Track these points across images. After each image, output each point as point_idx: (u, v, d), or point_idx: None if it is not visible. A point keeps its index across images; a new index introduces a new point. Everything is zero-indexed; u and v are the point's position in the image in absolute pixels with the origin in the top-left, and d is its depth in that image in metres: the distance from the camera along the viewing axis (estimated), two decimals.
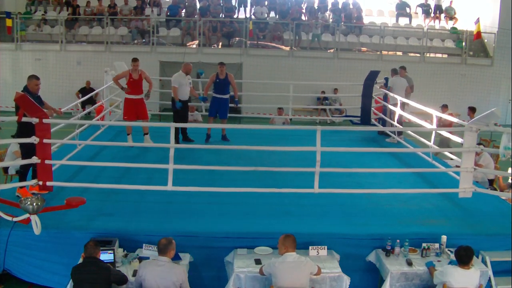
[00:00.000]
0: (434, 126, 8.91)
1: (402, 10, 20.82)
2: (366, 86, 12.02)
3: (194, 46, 18.63)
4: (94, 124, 10.60)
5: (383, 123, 11.65)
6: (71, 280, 5.01)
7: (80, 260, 5.30)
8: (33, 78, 7.06)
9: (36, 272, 5.99)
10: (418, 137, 9.40)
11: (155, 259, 5.18)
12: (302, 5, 20.24)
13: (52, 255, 5.94)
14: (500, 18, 18.90)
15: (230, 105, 10.72)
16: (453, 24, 20.46)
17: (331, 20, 19.98)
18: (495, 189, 8.74)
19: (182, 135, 10.35)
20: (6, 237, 5.87)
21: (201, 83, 12.98)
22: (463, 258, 5.22)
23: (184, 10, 19.60)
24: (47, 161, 6.58)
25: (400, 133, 10.85)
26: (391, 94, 10.80)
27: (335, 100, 18.11)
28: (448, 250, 5.93)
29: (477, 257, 5.87)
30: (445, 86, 18.45)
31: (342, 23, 19.63)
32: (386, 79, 11.80)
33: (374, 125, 11.99)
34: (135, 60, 9.69)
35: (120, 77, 9.79)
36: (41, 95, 7.31)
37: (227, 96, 10.53)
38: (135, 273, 5.24)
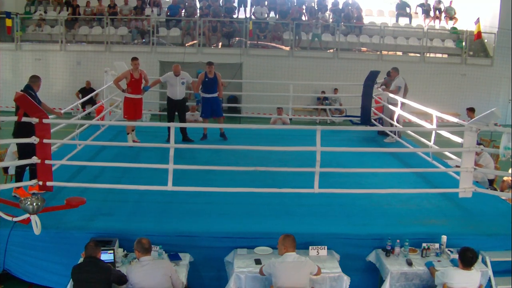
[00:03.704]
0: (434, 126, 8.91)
1: (402, 10, 20.82)
2: (366, 86, 12.02)
3: (193, 45, 18.60)
4: (94, 124, 10.60)
5: (382, 123, 11.66)
6: (71, 280, 5.01)
7: (81, 260, 5.31)
8: (39, 78, 7.29)
9: (36, 272, 5.99)
10: (418, 137, 9.39)
11: (137, 262, 5.19)
12: (304, 6, 20.25)
13: (52, 255, 5.94)
14: (500, 18, 18.90)
15: None
16: (453, 24, 20.47)
17: (331, 20, 19.98)
18: (495, 189, 8.73)
19: (182, 135, 10.36)
20: (6, 237, 5.87)
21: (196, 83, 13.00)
22: (469, 261, 5.20)
23: (184, 10, 19.59)
24: (47, 161, 6.58)
25: (398, 133, 10.85)
26: (391, 95, 10.79)
27: (335, 100, 18.10)
28: (448, 250, 5.94)
29: (477, 257, 5.85)
30: (445, 86, 18.45)
31: (342, 23, 19.63)
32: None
33: (374, 125, 11.99)
34: (135, 59, 9.74)
35: (120, 79, 9.83)
36: (41, 95, 7.36)
37: (216, 95, 10.57)
38: None
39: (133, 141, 9.92)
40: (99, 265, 4.94)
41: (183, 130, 10.37)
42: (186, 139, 10.40)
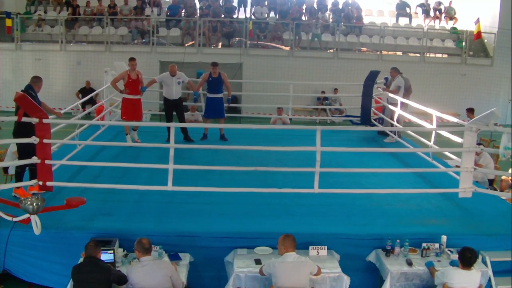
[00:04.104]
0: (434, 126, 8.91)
1: (402, 10, 20.82)
2: (366, 86, 12.01)
3: (193, 45, 18.60)
4: (94, 124, 10.60)
5: (383, 123, 11.66)
6: (71, 280, 5.00)
7: (81, 260, 5.31)
8: (40, 79, 7.30)
9: (36, 272, 5.99)
10: (418, 137, 9.39)
11: (138, 262, 5.20)
12: (304, 6, 20.26)
13: (52, 255, 5.94)
14: (500, 18, 18.89)
15: (224, 104, 10.85)
16: (453, 24, 20.47)
17: (331, 20, 19.99)
18: (495, 189, 8.74)
19: (183, 135, 10.38)
20: (6, 237, 5.87)
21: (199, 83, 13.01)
22: (468, 260, 5.20)
23: (184, 10, 19.59)
24: (47, 161, 6.58)
25: (398, 133, 10.84)
26: (391, 95, 10.79)
27: (335, 100, 18.10)
28: (448, 250, 5.94)
29: (477, 257, 5.85)
30: (445, 86, 18.45)
31: (342, 23, 19.63)
32: (386, 79, 11.81)
33: (374, 125, 11.98)
34: (133, 59, 9.73)
35: (118, 80, 9.83)
36: (41, 95, 7.38)
37: (220, 95, 10.59)
38: None
39: (135, 140, 9.92)
40: (99, 265, 4.94)
41: (183, 130, 10.38)
42: (187, 138, 10.41)
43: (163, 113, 11.09)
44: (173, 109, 10.40)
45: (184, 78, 10.35)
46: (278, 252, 5.37)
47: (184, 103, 11.03)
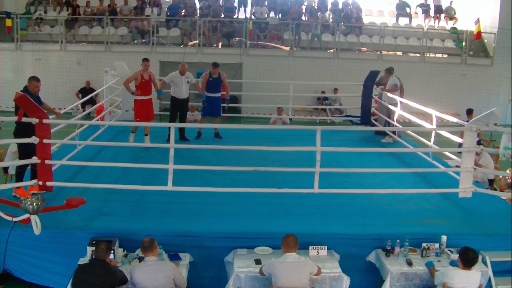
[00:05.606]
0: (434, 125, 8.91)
1: (402, 10, 20.82)
2: (366, 86, 12.03)
3: (193, 45, 18.60)
4: (94, 124, 10.60)
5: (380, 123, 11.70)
6: (71, 279, 4.98)
7: (87, 259, 5.29)
8: (34, 80, 7.12)
9: (36, 272, 5.99)
10: (418, 136, 9.39)
11: (142, 261, 5.20)
12: (304, 6, 20.26)
13: (52, 255, 5.94)
14: (500, 18, 18.89)
15: (222, 104, 10.95)
16: (453, 24, 20.47)
17: (331, 20, 19.99)
18: (495, 189, 8.74)
19: (179, 134, 10.40)
20: (6, 237, 5.88)
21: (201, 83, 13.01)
22: (470, 261, 5.19)
23: (184, 10, 19.58)
24: (47, 161, 6.58)
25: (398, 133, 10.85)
26: (389, 95, 10.80)
27: (335, 100, 18.10)
28: (448, 250, 5.94)
29: (478, 257, 5.85)
30: (445, 86, 18.45)
31: (342, 23, 19.63)
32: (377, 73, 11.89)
33: (374, 125, 11.99)
34: (146, 60, 9.72)
35: (130, 80, 9.77)
36: (41, 95, 7.35)
37: (219, 95, 10.68)
38: None
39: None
40: (106, 268, 4.88)
41: (180, 129, 10.40)
42: (183, 138, 10.43)
43: (164, 113, 11.10)
44: (180, 108, 10.42)
45: (191, 78, 10.40)
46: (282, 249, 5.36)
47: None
